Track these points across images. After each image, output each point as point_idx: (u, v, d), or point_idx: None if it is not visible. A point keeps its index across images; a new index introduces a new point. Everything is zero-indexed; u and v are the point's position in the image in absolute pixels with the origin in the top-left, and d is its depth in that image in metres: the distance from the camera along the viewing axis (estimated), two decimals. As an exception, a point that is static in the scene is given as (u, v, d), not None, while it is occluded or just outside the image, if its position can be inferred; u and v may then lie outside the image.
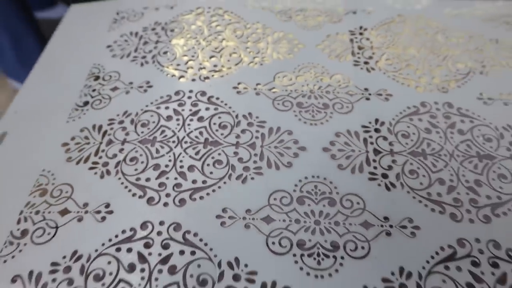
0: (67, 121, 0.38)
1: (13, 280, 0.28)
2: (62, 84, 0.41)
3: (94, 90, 0.40)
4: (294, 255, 0.29)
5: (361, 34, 0.45)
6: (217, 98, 0.39)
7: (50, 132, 0.37)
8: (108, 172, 0.33)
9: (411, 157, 0.34)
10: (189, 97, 0.39)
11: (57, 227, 0.30)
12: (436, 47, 0.43)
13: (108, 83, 0.41)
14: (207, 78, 0.41)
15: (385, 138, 0.35)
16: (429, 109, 0.38)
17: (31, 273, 0.28)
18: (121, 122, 0.37)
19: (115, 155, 0.35)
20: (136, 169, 0.33)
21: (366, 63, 0.42)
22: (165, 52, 0.43)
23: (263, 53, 0.43)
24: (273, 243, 0.29)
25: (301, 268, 0.28)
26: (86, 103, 0.39)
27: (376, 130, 0.36)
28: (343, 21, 0.46)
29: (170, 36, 0.45)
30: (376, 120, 0.37)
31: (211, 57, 0.43)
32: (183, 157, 0.34)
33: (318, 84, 0.40)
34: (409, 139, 0.35)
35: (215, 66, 0.42)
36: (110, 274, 0.28)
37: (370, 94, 0.39)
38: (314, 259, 0.28)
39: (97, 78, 0.42)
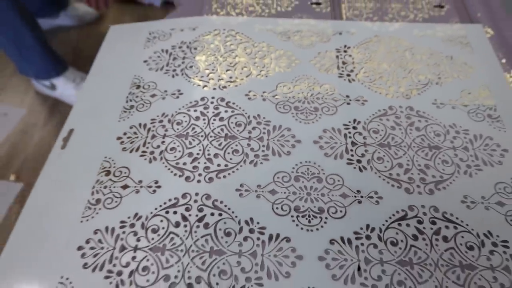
0: (118, 120, 0.50)
1: (95, 232, 0.40)
2: (111, 91, 0.53)
3: (137, 97, 0.52)
4: (292, 216, 0.40)
5: (345, 51, 0.57)
6: (233, 103, 0.50)
7: (107, 129, 0.49)
8: (154, 159, 0.45)
9: (379, 148, 0.46)
10: (212, 102, 0.51)
11: (121, 197, 0.42)
12: (404, 62, 0.55)
13: (148, 91, 0.53)
14: (224, 87, 0.52)
15: (360, 134, 0.47)
16: (395, 111, 0.50)
17: (106, 228, 0.40)
18: (161, 121, 0.49)
19: (158, 146, 0.46)
20: (175, 156, 0.45)
21: (348, 75, 0.54)
22: (191, 66, 0.55)
23: (267, 67, 0.55)
24: (277, 208, 0.41)
25: (297, 225, 0.40)
26: (131, 106, 0.51)
27: (354, 128, 0.48)
28: (331, 41, 0.58)
29: (194, 53, 0.57)
30: (354, 120, 0.49)
31: (227, 70, 0.54)
32: (210, 147, 0.46)
33: (311, 92, 0.52)
34: (378, 134, 0.47)
35: (230, 77, 0.53)
36: (163, 228, 0.40)
37: (350, 100, 0.51)
38: (306, 219, 0.40)
39: (138, 87, 0.53)
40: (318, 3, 0.64)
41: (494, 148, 0.46)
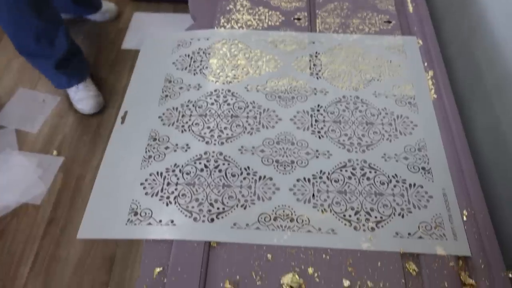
0: (158, 105, 0.73)
1: (150, 175, 0.63)
2: (150, 85, 0.76)
3: (169, 89, 0.75)
4: (274, 165, 0.64)
5: (316, 56, 0.80)
6: (237, 93, 0.74)
7: (150, 110, 0.72)
8: (184, 131, 0.69)
9: (333, 123, 0.70)
10: (222, 93, 0.74)
11: (164, 154, 0.66)
12: (356, 64, 0.79)
13: (176, 85, 0.76)
14: (230, 82, 0.76)
15: (321, 114, 0.71)
16: (346, 99, 0.73)
17: (157, 172, 0.64)
18: (187, 106, 0.72)
19: (186, 122, 0.70)
20: (198, 129, 0.69)
21: (316, 74, 0.77)
22: (206, 67, 0.78)
23: (260, 68, 0.78)
24: (264, 160, 0.65)
25: (277, 171, 0.64)
26: (166, 96, 0.74)
27: (318, 110, 0.72)
28: (306, 48, 0.82)
29: (208, 57, 0.80)
30: (318, 105, 0.72)
31: (232, 70, 0.78)
32: (221, 123, 0.70)
33: (290, 86, 0.75)
34: (334, 115, 0.71)
35: (234, 75, 0.77)
36: (193, 172, 0.63)
37: (316, 91, 0.74)
38: (283, 167, 0.64)
39: (170, 82, 0.77)
40: (298, 19, 0.88)
41: (409, 124, 0.69)
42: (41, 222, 1.22)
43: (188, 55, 0.81)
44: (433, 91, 0.74)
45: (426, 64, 0.78)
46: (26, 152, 1.37)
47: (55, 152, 1.37)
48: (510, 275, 0.53)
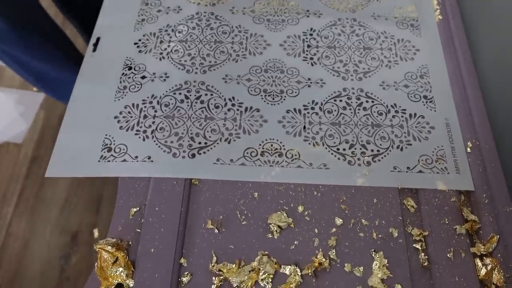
0: (133, 30, 0.66)
1: (125, 107, 0.58)
2: (125, 8, 0.69)
3: (146, 12, 0.68)
4: (261, 95, 0.58)
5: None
6: (221, 16, 0.66)
7: (124, 37, 0.65)
8: (162, 58, 0.62)
9: (327, 49, 0.63)
10: (204, 16, 0.67)
11: (141, 84, 0.60)
12: None
13: (154, 7, 0.68)
14: (214, 4, 0.68)
15: (314, 39, 0.64)
16: (342, 22, 0.66)
17: (133, 104, 0.58)
18: (166, 30, 0.65)
19: (165, 49, 0.63)
20: (178, 56, 0.62)
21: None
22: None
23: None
24: (251, 90, 0.59)
25: (265, 101, 0.58)
26: (143, 20, 0.67)
27: (311, 35, 0.65)
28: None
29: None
30: (311, 29, 0.65)
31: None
32: (203, 50, 0.63)
33: (281, 7, 0.68)
34: (328, 40, 0.64)
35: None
36: (172, 104, 0.57)
37: (309, 14, 0.67)
38: (271, 97, 0.58)
39: (146, 4, 0.69)
40: None
41: (410, 48, 0.63)
42: (24, 161, 1.18)
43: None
44: (438, 11, 0.67)
45: (431, -18, 0.70)
46: (5, 88, 1.30)
47: (35, 88, 1.30)
48: (515, 210, 0.49)
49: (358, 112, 0.57)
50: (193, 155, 0.53)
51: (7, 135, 1.21)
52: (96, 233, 1.04)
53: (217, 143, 0.54)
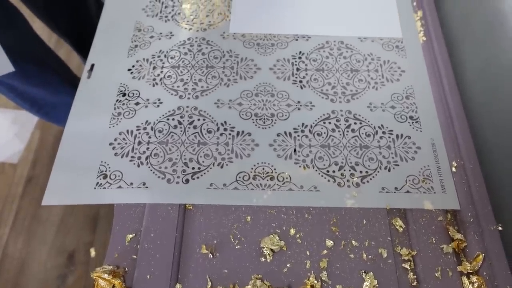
0: (127, 56, 0.67)
1: (120, 134, 0.59)
2: (119, 34, 0.70)
3: (139, 38, 0.69)
4: (253, 119, 0.60)
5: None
6: (212, 41, 0.68)
7: (118, 63, 0.66)
8: (155, 84, 0.64)
9: (316, 72, 0.65)
10: (196, 42, 0.68)
11: (135, 110, 0.61)
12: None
13: (147, 33, 0.70)
14: (205, 30, 0.70)
15: (303, 62, 0.66)
16: (330, 45, 0.68)
17: (127, 130, 0.59)
18: (159, 56, 0.67)
19: (158, 75, 0.65)
20: (171, 82, 0.64)
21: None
22: (179, 13, 0.72)
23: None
24: (243, 114, 0.60)
25: (256, 125, 0.59)
26: (136, 46, 0.68)
27: (299, 58, 0.66)
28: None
29: (181, 1, 0.74)
30: (300, 52, 0.67)
31: (206, 16, 0.72)
32: (195, 75, 0.64)
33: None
34: (316, 62, 0.66)
35: (209, 22, 0.71)
36: (166, 129, 0.59)
37: (298, 37, 0.69)
38: (262, 121, 0.60)
39: (139, 30, 0.70)
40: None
41: (396, 69, 0.65)
42: (20, 181, 1.19)
43: (159, 0, 0.74)
44: (422, 33, 0.69)
45: (415, 3, 0.73)
46: (0, 108, 1.31)
47: (29, 108, 1.31)
48: (499, 228, 0.51)
49: (347, 134, 0.59)
50: (187, 181, 0.54)
51: (3, 155, 1.22)
52: (93, 252, 1.04)
53: (210, 168, 0.55)
